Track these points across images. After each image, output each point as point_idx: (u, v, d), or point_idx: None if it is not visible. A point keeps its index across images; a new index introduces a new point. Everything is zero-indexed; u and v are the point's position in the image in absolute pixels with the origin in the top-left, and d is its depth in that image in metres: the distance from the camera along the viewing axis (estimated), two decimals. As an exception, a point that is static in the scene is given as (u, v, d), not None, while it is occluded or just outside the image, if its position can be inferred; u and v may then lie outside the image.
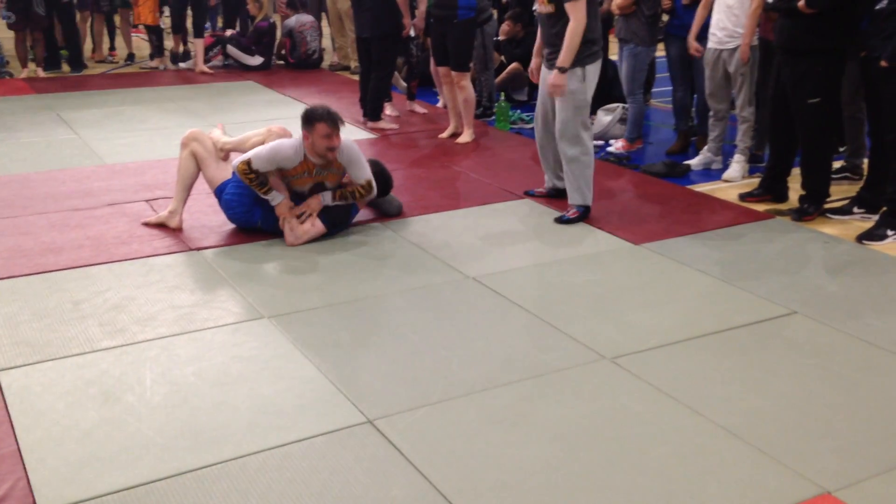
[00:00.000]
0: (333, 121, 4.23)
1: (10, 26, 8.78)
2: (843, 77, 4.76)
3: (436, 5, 6.24)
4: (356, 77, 7.89)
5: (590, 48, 4.53)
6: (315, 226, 4.36)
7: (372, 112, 6.87)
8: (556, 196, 4.99)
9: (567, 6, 4.40)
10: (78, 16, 9.64)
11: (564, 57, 4.46)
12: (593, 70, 4.60)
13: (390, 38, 6.61)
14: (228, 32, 9.98)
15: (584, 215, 4.68)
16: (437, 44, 6.38)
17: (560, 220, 4.67)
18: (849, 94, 5.16)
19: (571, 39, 4.43)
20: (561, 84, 4.51)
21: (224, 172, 4.52)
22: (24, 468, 2.55)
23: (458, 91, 6.35)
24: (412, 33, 7.10)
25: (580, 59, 4.52)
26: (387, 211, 4.80)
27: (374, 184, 4.43)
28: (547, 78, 4.67)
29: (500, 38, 7.87)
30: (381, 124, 6.89)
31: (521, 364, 3.18)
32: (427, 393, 2.98)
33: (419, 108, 7.56)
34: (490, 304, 3.72)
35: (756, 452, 2.65)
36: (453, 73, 6.28)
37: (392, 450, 2.65)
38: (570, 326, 3.47)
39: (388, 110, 7.21)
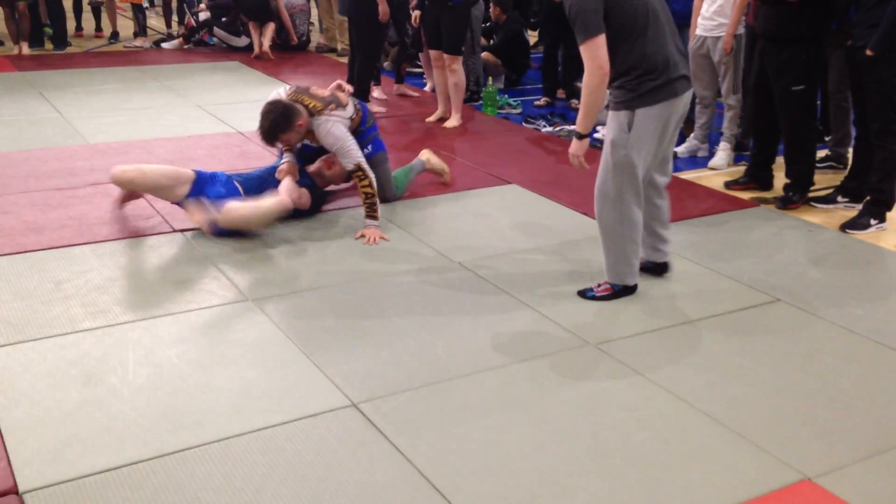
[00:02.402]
0: (266, 140, 4.29)
1: None
2: (826, 65, 4.77)
3: None
4: (343, 59, 7.84)
5: (642, 82, 3.29)
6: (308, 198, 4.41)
7: (359, 94, 6.82)
8: (653, 271, 3.79)
9: (581, 48, 3.22)
10: None
11: (580, 120, 3.37)
12: (648, 115, 3.31)
13: (370, 19, 6.56)
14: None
15: (618, 295, 3.59)
16: (430, 27, 6.34)
17: (583, 295, 3.61)
18: (834, 83, 5.19)
19: (585, 97, 3.28)
20: (577, 154, 3.45)
21: (178, 190, 4.24)
22: (6, 449, 2.53)
23: (449, 74, 6.32)
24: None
25: (627, 100, 3.33)
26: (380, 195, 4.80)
27: (364, 165, 4.26)
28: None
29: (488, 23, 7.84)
30: (369, 107, 6.85)
31: (506, 349, 3.18)
32: (412, 377, 2.98)
33: (408, 91, 7.53)
34: (476, 288, 3.72)
35: (738, 438, 2.67)
36: (445, 56, 6.25)
37: (376, 433, 2.65)
38: (555, 312, 3.48)
39: (376, 93, 7.17)
